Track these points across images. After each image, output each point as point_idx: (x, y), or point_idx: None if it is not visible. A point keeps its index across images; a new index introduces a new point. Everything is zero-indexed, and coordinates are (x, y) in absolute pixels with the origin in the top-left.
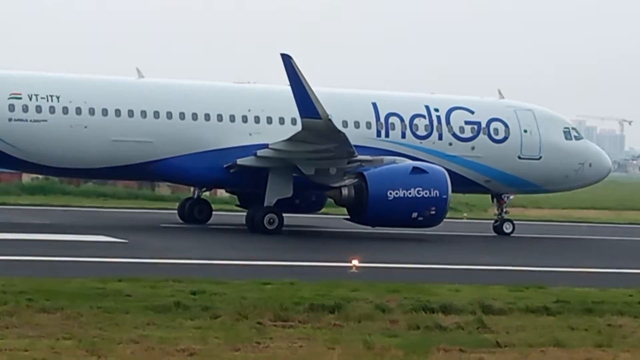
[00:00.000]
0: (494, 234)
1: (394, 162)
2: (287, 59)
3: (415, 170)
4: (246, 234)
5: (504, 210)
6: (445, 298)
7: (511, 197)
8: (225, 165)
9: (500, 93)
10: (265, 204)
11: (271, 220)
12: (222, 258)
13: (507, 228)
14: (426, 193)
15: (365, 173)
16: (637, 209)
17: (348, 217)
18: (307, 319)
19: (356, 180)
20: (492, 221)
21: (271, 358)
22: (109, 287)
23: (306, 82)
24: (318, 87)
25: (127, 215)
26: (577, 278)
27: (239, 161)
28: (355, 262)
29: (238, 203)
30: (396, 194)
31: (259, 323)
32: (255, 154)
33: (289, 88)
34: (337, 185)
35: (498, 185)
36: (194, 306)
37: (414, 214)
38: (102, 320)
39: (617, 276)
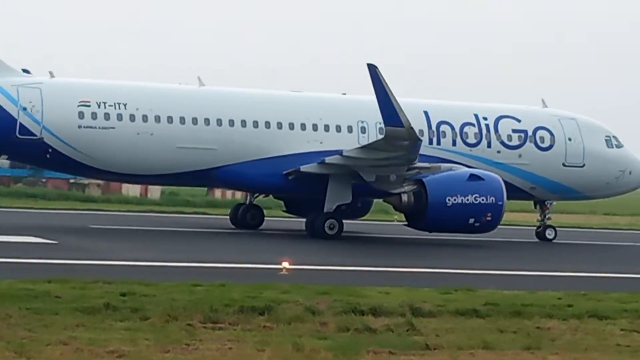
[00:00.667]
0: (430, 236)
1: (451, 169)
2: (372, 69)
3: (472, 177)
4: (176, 234)
5: (547, 216)
6: (375, 300)
7: (554, 203)
8: (284, 172)
9: (543, 102)
10: (325, 210)
11: (332, 225)
12: (152, 260)
13: (549, 234)
14: (483, 200)
15: (424, 180)
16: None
17: (406, 222)
18: (237, 320)
19: (415, 187)
20: (535, 227)
21: None
22: (38, 288)
23: (390, 91)
24: (366, 96)
25: (57, 216)
26: (506, 281)
27: (303, 168)
28: (285, 264)
29: (285, 209)
30: (454, 200)
31: (188, 325)
32: (323, 161)
33: (343, 97)
34: (397, 191)
35: (542, 192)
36: (124, 308)
37: (471, 220)
38: (31, 322)
39: (549, 280)
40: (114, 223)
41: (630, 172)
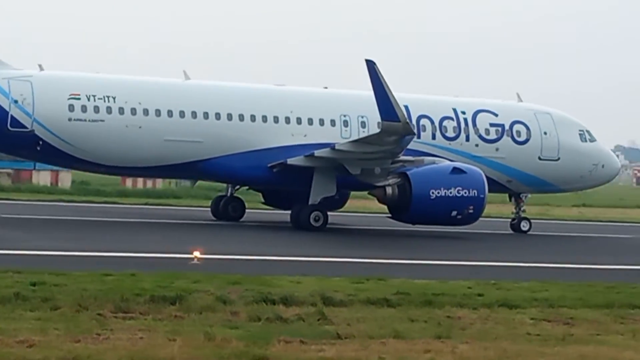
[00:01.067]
0: (349, 226)
1: (433, 162)
2: (371, 64)
3: (455, 170)
4: (87, 224)
5: (522, 209)
6: (286, 290)
7: (529, 196)
8: (269, 165)
9: (518, 96)
10: (310, 202)
11: (317, 217)
12: (62, 249)
13: (524, 226)
14: (465, 192)
15: (408, 173)
16: None
17: (389, 215)
18: (148, 310)
19: (399, 180)
20: (510, 219)
21: (111, 349)
22: None
23: (388, 86)
24: (359, 91)
25: None
26: (417, 270)
27: (290, 161)
28: (196, 254)
29: (263, 201)
30: (438, 193)
31: (99, 314)
32: (313, 154)
33: (325, 90)
34: (381, 184)
35: (519, 185)
36: (34, 297)
37: (454, 213)
38: None
39: (461, 269)
40: (24, 212)
41: (602, 166)
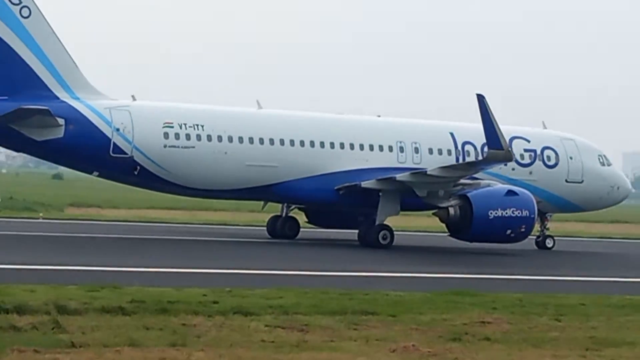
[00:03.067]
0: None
1: (488, 185)
2: (481, 98)
3: (509, 192)
4: None
5: (546, 227)
6: (19, 298)
7: (552, 215)
8: (335, 187)
9: (544, 124)
10: (377, 222)
11: (385, 236)
12: None
13: (548, 243)
14: (519, 213)
15: (469, 195)
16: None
17: (449, 233)
18: None
19: (460, 201)
20: (535, 237)
21: None
22: None
23: (495, 118)
24: (402, 119)
25: None
26: (153, 278)
27: (364, 184)
28: None
29: (307, 220)
30: (496, 213)
31: None
32: (394, 179)
33: (382, 119)
34: (444, 205)
35: (547, 206)
36: None
37: (509, 231)
38: None
39: (195, 277)
40: None
41: (618, 188)
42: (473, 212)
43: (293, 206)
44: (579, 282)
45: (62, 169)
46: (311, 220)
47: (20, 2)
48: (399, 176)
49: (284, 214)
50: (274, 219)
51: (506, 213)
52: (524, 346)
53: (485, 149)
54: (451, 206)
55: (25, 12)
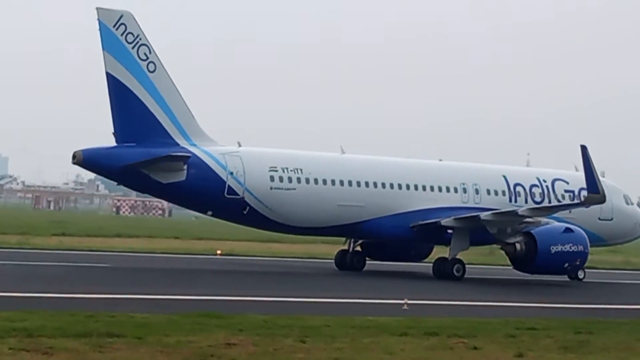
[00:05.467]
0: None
1: (547, 223)
2: (584, 149)
3: (567, 230)
4: None
5: None
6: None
7: None
8: (410, 225)
9: (576, 168)
10: (450, 257)
11: (458, 269)
12: None
13: (580, 274)
14: (575, 248)
15: (533, 232)
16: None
17: (513, 266)
18: None
19: (524, 237)
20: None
21: None
22: None
23: (594, 166)
24: (462, 162)
25: None
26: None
27: (443, 222)
28: None
29: (362, 253)
30: (557, 248)
31: None
32: (479, 217)
33: (446, 163)
34: (511, 241)
35: None
36: None
37: (566, 264)
38: None
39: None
40: None
41: (638, 225)
42: (537, 248)
43: (360, 241)
44: (324, 303)
45: None
46: (368, 254)
47: (147, 58)
48: (484, 215)
49: (351, 249)
50: (342, 254)
51: (565, 248)
52: None
53: (584, 192)
54: (517, 242)
55: (151, 67)
